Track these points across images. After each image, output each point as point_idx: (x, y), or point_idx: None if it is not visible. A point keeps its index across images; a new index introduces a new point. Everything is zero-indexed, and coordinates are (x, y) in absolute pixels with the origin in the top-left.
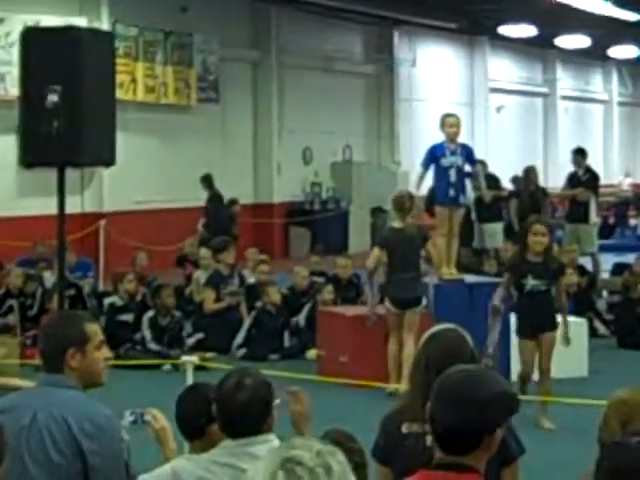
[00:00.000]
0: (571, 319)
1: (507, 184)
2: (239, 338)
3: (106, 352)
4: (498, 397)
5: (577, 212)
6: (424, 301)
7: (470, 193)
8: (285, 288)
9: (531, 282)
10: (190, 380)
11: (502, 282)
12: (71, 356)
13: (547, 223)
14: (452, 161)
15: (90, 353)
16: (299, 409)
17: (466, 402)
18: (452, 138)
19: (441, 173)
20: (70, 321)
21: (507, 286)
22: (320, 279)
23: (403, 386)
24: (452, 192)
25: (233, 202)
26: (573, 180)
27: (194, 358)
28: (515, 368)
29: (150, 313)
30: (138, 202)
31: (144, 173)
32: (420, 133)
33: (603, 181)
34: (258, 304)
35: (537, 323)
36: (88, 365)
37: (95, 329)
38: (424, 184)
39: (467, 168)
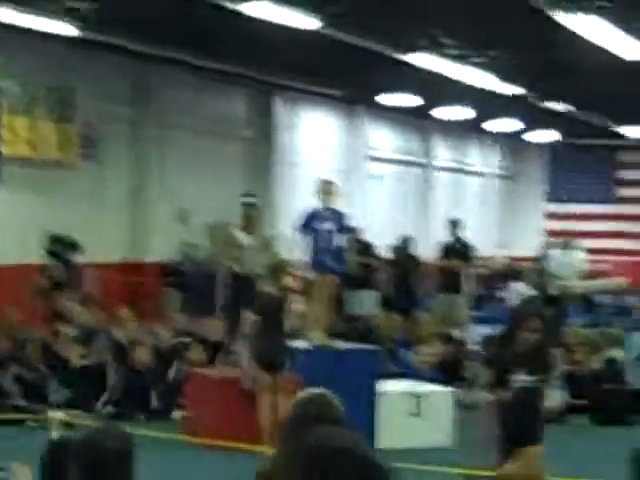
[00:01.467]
0: (437, 388)
1: (382, 252)
2: (105, 396)
3: None
4: (370, 466)
5: (449, 283)
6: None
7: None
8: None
9: None
10: (56, 436)
11: None
12: None
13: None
14: (327, 227)
15: None
16: None
17: (327, 466)
18: (327, 204)
19: (316, 238)
20: None
21: None
22: (187, 339)
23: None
24: (327, 259)
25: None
26: (447, 250)
27: (59, 414)
28: (381, 435)
29: (15, 368)
30: (14, 257)
31: (23, 228)
32: (298, 198)
33: (478, 253)
34: (125, 363)
35: None
36: None
37: None
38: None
39: (340, 236)
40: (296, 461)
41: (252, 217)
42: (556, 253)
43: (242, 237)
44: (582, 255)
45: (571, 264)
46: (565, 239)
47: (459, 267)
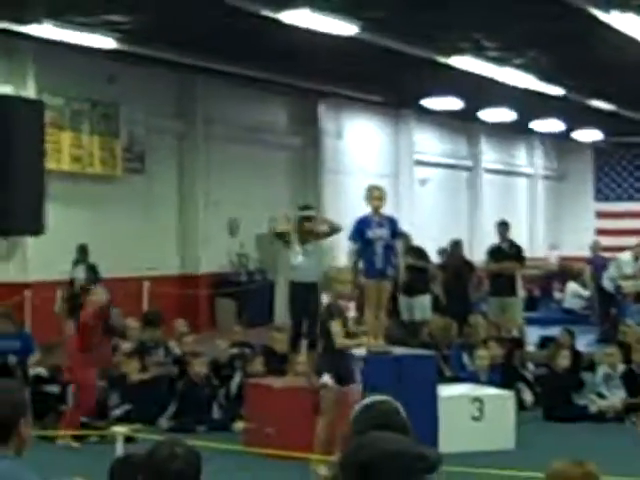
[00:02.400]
0: (498, 391)
1: (433, 256)
2: (170, 409)
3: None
4: (389, 457)
5: (503, 285)
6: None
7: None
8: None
9: None
10: (120, 451)
11: None
12: (24, 425)
13: None
14: (378, 233)
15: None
16: None
17: (358, 466)
18: (377, 210)
19: (368, 245)
20: (15, 389)
21: None
22: (246, 350)
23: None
24: (379, 264)
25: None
26: (496, 253)
27: (123, 429)
28: (443, 439)
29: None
30: (62, 272)
31: (69, 243)
32: (346, 205)
33: (528, 254)
34: (184, 376)
35: None
36: (29, 434)
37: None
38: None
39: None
40: (352, 466)
41: (309, 232)
42: (625, 255)
43: (297, 250)
44: None
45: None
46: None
47: (510, 269)
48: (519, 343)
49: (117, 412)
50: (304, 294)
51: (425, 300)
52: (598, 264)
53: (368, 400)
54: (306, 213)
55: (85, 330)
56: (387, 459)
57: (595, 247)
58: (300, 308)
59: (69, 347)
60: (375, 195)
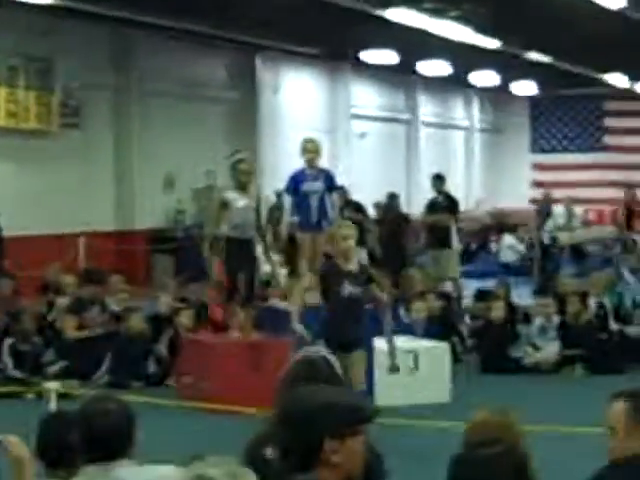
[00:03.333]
0: (433, 343)
1: (370, 210)
2: (105, 365)
3: None
4: (323, 408)
5: (438, 238)
6: None
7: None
8: (148, 315)
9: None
10: (53, 407)
11: None
12: None
13: None
14: (313, 187)
15: None
16: (15, 455)
17: (290, 419)
18: (311, 163)
19: (302, 199)
20: None
21: None
22: (182, 305)
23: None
24: (314, 218)
25: None
26: (433, 206)
27: (56, 385)
28: (378, 392)
29: (10, 340)
30: None
31: (3, 199)
32: (283, 159)
33: (465, 207)
34: (120, 331)
35: None
36: None
37: None
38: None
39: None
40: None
41: (247, 172)
42: (558, 208)
43: (236, 198)
44: (578, 209)
45: (571, 217)
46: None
47: (445, 221)
48: (449, 297)
49: (53, 368)
50: (239, 250)
51: (361, 253)
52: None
53: (300, 354)
54: (238, 156)
55: None
56: (322, 411)
57: (547, 198)
58: (236, 263)
59: None
60: (309, 148)
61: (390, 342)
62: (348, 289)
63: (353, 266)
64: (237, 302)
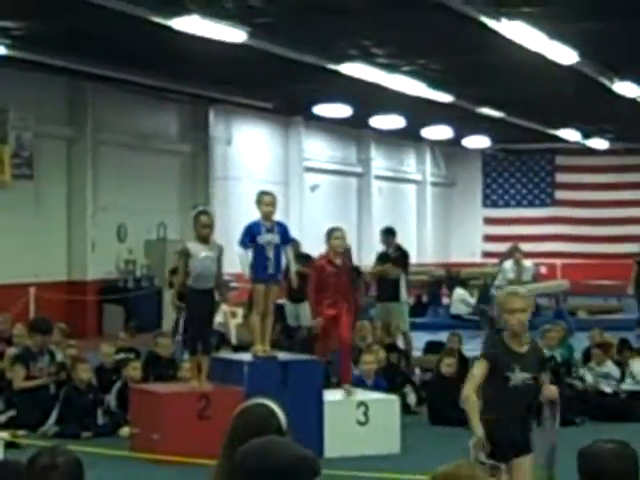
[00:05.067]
0: (382, 396)
1: None
2: (54, 415)
3: None
4: (293, 464)
5: (387, 290)
6: None
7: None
8: (97, 366)
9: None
10: (0, 456)
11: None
12: None
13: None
14: (269, 239)
15: None
16: None
17: (258, 472)
18: (268, 216)
19: (258, 251)
20: None
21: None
22: (131, 355)
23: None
24: (271, 270)
25: None
26: (382, 258)
27: (4, 434)
28: (328, 444)
29: None
30: None
31: None
32: (236, 211)
33: (416, 260)
34: (68, 381)
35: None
36: None
37: None
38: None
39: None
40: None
41: (208, 225)
42: (508, 263)
43: (198, 249)
44: (529, 263)
45: (521, 271)
46: (513, 250)
47: (394, 273)
48: (396, 348)
49: (1, 418)
50: (201, 300)
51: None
52: None
53: (245, 404)
54: (200, 208)
55: None
56: (275, 465)
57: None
58: (198, 313)
59: None
60: (266, 201)
61: (551, 450)
62: (520, 376)
63: (525, 347)
64: (203, 352)
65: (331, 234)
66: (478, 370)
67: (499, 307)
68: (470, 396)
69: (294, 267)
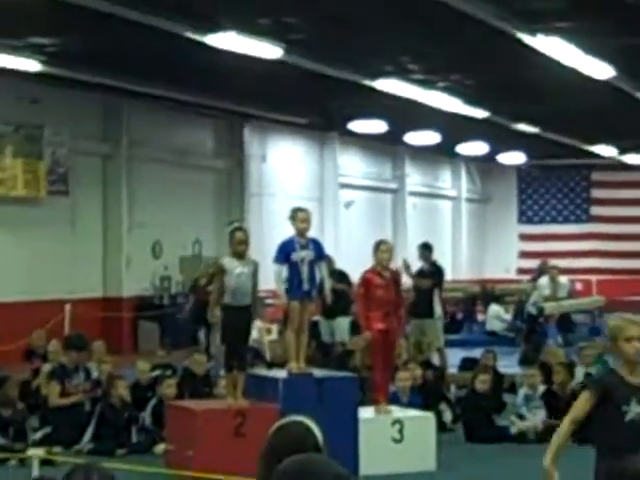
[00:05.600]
0: (418, 413)
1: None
2: (89, 432)
3: None
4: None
5: (421, 306)
6: None
7: None
8: (130, 383)
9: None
10: (36, 474)
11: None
12: None
13: None
14: (303, 255)
15: None
16: None
17: None
18: (302, 233)
19: (292, 268)
20: None
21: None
22: (167, 372)
23: None
24: (305, 286)
25: None
26: (419, 274)
27: (40, 451)
28: (364, 462)
29: None
30: None
31: None
32: (270, 228)
33: (451, 276)
34: (104, 398)
35: None
36: None
37: None
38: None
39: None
40: None
41: (243, 241)
42: (544, 279)
43: (233, 265)
44: (564, 279)
45: (556, 288)
46: (543, 266)
47: (428, 287)
48: (431, 365)
49: (37, 435)
50: (236, 317)
51: (344, 323)
52: None
53: (282, 421)
54: (236, 224)
55: None
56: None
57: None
58: (233, 330)
59: None
60: (300, 217)
61: None
62: (637, 410)
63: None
64: (239, 369)
65: (378, 247)
66: (579, 401)
67: (611, 334)
68: (562, 426)
69: (328, 284)
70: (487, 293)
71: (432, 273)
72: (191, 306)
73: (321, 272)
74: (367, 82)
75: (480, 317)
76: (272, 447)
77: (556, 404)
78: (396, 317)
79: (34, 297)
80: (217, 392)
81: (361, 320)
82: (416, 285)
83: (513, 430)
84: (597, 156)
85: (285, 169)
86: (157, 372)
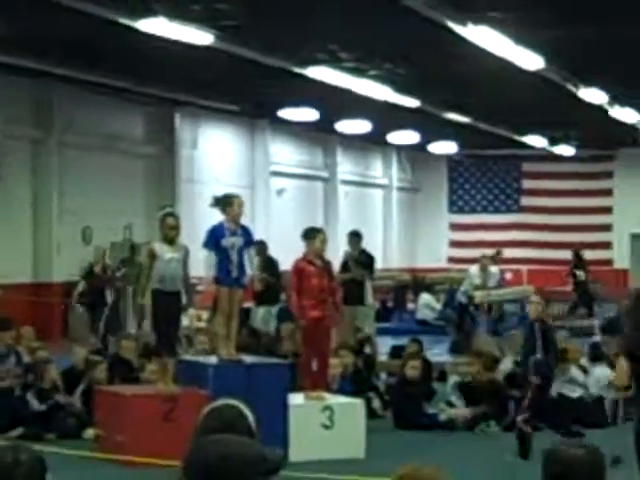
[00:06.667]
0: (348, 400)
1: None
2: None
3: None
4: (231, 459)
5: (352, 293)
6: None
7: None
8: (63, 368)
9: None
10: None
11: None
12: None
13: None
14: (233, 241)
15: None
16: None
17: (195, 471)
18: (237, 220)
19: (222, 254)
20: None
21: None
22: (98, 358)
23: None
24: (234, 273)
25: None
26: (347, 263)
27: None
28: (293, 447)
29: None
30: None
31: None
32: (201, 214)
33: (382, 265)
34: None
35: None
36: None
37: None
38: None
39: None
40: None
41: (174, 227)
42: (474, 268)
43: (164, 250)
44: (494, 269)
45: (486, 277)
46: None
47: (359, 277)
48: (363, 353)
49: None
50: (166, 302)
51: (275, 309)
52: None
53: (215, 403)
54: (168, 210)
55: None
56: (227, 461)
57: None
58: (163, 316)
59: None
60: (229, 203)
61: None
62: None
63: None
64: (169, 354)
65: (315, 236)
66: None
67: None
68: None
69: (250, 270)
70: (418, 282)
71: (362, 261)
72: (80, 291)
73: (249, 258)
74: (298, 70)
75: (411, 306)
76: (204, 429)
77: (472, 393)
78: (333, 304)
79: None
80: (145, 377)
81: (295, 309)
82: (345, 275)
83: (442, 417)
84: (528, 147)
85: (216, 156)
86: (94, 357)
